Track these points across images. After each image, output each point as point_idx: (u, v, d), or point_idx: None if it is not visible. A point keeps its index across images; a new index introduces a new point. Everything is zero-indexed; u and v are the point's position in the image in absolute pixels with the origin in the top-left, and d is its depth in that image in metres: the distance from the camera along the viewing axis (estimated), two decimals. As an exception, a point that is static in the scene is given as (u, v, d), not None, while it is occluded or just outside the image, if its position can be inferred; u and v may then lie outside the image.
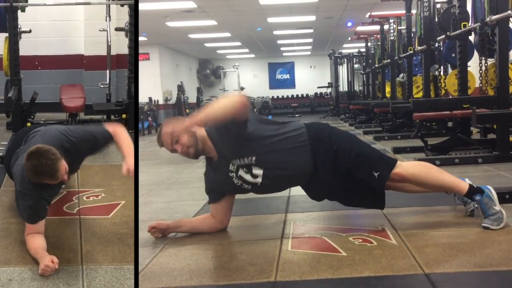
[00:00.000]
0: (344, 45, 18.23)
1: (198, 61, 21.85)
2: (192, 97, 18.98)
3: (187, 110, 17.44)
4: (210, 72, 22.04)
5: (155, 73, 16.12)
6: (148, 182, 4.71)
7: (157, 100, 16.05)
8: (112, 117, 5.74)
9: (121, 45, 6.31)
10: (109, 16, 5.91)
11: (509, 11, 4.52)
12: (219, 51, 19.51)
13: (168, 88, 17.11)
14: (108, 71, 6.07)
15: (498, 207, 2.45)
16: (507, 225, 2.44)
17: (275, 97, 21.86)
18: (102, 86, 6.03)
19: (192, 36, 14.75)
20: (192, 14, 11.20)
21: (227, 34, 14.80)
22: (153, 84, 15.92)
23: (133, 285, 2.26)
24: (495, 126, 4.97)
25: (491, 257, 2.08)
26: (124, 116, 5.64)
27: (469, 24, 5.46)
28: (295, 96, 22.75)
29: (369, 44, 13.52)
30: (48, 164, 2.38)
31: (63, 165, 2.44)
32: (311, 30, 14.50)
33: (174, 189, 4.32)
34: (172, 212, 3.36)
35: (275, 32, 14.77)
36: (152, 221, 2.76)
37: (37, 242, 2.45)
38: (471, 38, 5.81)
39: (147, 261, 2.32)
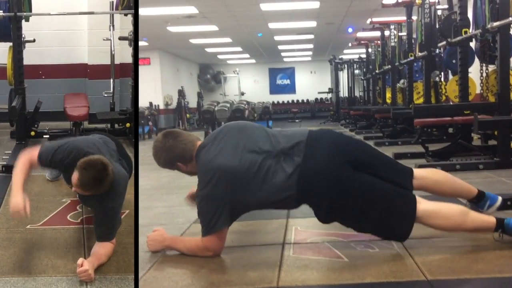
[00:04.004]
0: (345, 51, 18.26)
1: (199, 66, 21.87)
2: (192, 102, 18.99)
3: (188, 115, 17.45)
4: (210, 77, 22.05)
5: (155, 78, 16.13)
6: (148, 186, 4.70)
7: (158, 105, 16.06)
8: (116, 126, 5.74)
9: (124, 54, 6.33)
10: (113, 26, 5.93)
11: (510, 18, 4.53)
12: (219, 56, 19.53)
13: (169, 93, 17.12)
14: (112, 80, 6.08)
15: None
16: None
17: (276, 102, 21.86)
18: (106, 95, 6.04)
19: (193, 41, 14.78)
20: (193, 20, 11.22)
21: (228, 40, 14.82)
22: (154, 88, 15.93)
23: (134, 290, 2.25)
24: (496, 133, 4.97)
25: (494, 264, 2.08)
26: (128, 125, 5.63)
27: (470, 31, 5.47)
28: (295, 101, 22.76)
29: (369, 50, 13.54)
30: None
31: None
32: (311, 36, 14.53)
33: (174, 194, 4.31)
34: (173, 217, 3.35)
35: (276, 38, 14.79)
36: (155, 226, 2.75)
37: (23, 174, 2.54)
38: (472, 44, 5.82)
39: (148, 266, 2.31)
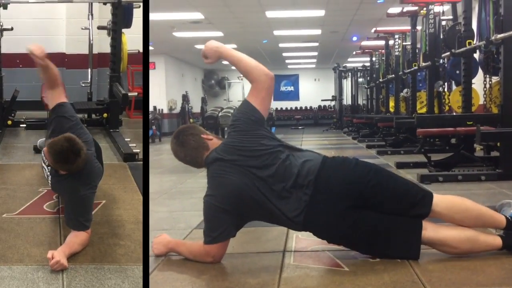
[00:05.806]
0: (349, 59, 18.29)
1: (203, 71, 21.94)
2: (196, 107, 19.03)
3: (191, 120, 17.48)
4: (215, 83, 22.11)
5: (160, 82, 16.19)
6: (150, 191, 4.70)
7: (162, 109, 16.11)
8: (93, 116, 5.75)
9: (103, 44, 6.27)
10: (92, 15, 5.91)
11: (515, 30, 4.55)
12: (224, 62, 19.55)
13: (173, 98, 17.17)
14: (89, 70, 6.08)
15: None
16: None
17: (279, 108, 21.90)
18: (83, 85, 6.03)
19: (198, 46, 14.82)
20: (199, 25, 11.27)
21: (233, 46, 14.87)
22: (158, 93, 15.98)
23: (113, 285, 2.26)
24: (498, 144, 4.97)
25: (494, 276, 2.08)
26: (105, 115, 5.64)
27: (474, 42, 5.48)
28: (298, 108, 22.80)
29: (373, 58, 13.57)
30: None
31: None
32: (316, 44, 14.57)
33: (177, 199, 4.32)
34: (175, 222, 3.36)
35: (281, 45, 14.84)
36: (156, 230, 2.76)
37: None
38: (476, 55, 5.83)
39: (149, 270, 2.32)
